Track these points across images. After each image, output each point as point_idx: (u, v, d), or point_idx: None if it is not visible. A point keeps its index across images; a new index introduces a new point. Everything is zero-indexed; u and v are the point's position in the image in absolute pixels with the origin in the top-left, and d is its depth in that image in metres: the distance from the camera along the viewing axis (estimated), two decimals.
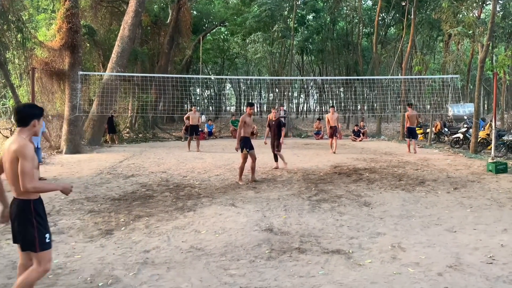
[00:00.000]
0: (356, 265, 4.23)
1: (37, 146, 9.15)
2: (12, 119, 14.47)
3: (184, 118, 15.69)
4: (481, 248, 4.68)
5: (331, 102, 37.88)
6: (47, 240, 3.14)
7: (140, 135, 21.08)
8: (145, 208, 6.62)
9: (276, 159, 10.81)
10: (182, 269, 4.17)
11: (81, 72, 14.75)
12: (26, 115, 3.11)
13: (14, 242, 3.21)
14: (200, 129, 16.35)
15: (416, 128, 19.37)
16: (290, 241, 4.99)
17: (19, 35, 13.57)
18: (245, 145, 8.75)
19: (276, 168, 10.61)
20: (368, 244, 4.85)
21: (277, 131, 10.61)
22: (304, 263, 4.29)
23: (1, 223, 3.32)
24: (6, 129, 14.06)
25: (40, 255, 3.12)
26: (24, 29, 13.72)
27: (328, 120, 14.78)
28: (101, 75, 17.45)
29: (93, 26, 20.02)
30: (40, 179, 9.05)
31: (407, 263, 4.25)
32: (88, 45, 19.82)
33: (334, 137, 14.56)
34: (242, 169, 8.87)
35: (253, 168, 8.90)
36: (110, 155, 13.80)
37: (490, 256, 4.41)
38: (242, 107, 42.73)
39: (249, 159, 8.83)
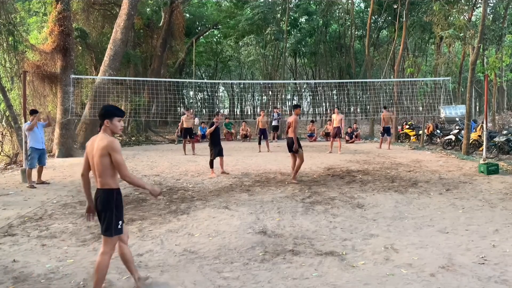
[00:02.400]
0: (349, 267, 4.24)
1: (43, 148, 9.06)
2: (4, 123, 14.33)
3: (179, 125, 15.31)
4: (473, 249, 4.72)
5: (324, 104, 38.09)
6: (119, 227, 3.47)
7: (133, 138, 20.97)
8: (138, 212, 6.60)
9: (211, 166, 9.98)
10: (175, 273, 4.16)
11: (73, 75, 14.66)
12: (100, 115, 3.47)
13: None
14: (194, 132, 16.28)
15: (409, 130, 19.60)
16: (283, 243, 4.99)
17: (10, 38, 13.46)
18: (299, 145, 8.91)
19: (220, 174, 10.04)
20: (361, 246, 4.87)
21: (215, 136, 10.00)
22: (298, 265, 4.29)
23: (88, 218, 3.68)
24: None
25: (113, 239, 3.46)
26: (15, 32, 13.62)
27: (333, 120, 14.99)
28: (94, 78, 17.37)
29: (85, 29, 19.95)
30: (43, 182, 8.99)
31: (400, 264, 4.27)
32: (80, 48, 19.73)
33: (338, 138, 14.73)
34: (299, 168, 9.02)
35: (298, 167, 9.02)
36: None
37: (482, 257, 4.45)
38: (235, 110, 42.75)
39: (298, 159, 8.95)
